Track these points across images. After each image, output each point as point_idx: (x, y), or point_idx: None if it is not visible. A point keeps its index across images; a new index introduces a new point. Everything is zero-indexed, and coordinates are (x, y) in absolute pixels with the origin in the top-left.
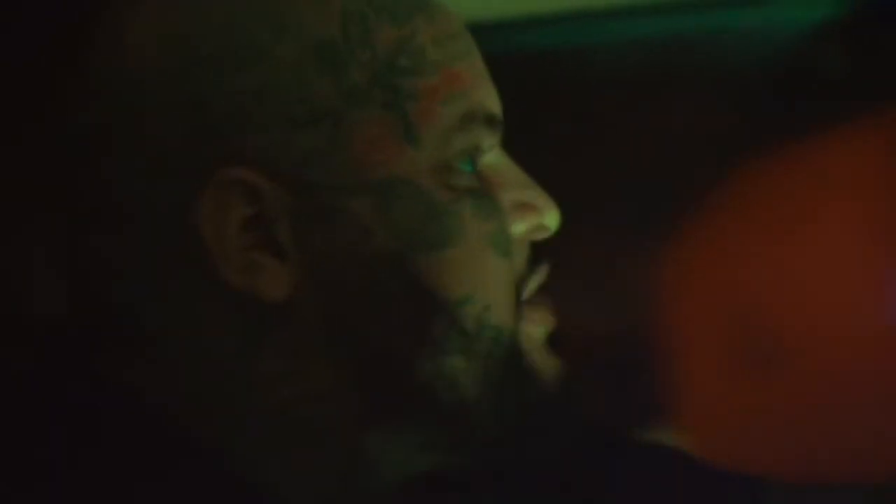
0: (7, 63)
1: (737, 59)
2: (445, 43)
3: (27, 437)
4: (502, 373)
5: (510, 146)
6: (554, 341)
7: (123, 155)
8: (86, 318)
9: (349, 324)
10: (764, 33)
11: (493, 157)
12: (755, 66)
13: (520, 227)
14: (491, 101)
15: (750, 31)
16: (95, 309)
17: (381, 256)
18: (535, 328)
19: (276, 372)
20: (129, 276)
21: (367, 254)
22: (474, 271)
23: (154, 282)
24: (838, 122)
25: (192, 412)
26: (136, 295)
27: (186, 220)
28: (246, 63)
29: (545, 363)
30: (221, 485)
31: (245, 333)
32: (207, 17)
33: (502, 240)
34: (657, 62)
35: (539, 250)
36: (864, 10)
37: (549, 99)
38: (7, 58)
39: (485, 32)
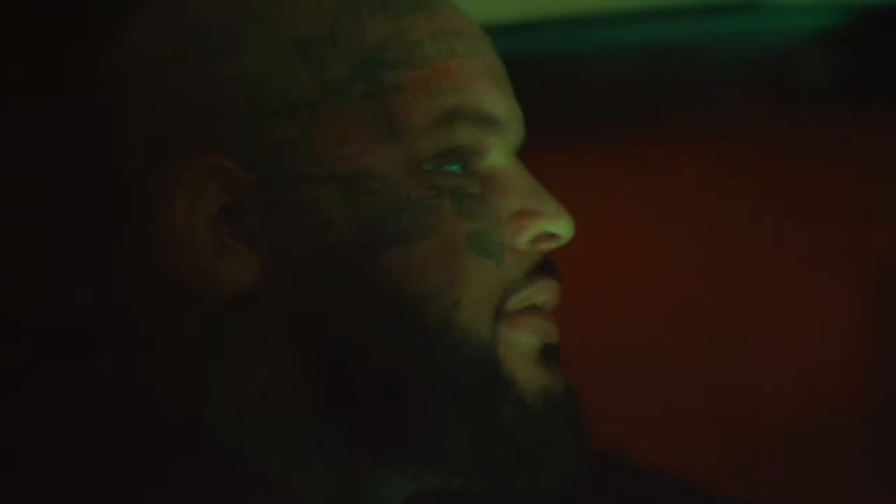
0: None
1: (729, 65)
2: (444, 39)
3: (28, 436)
4: (470, 378)
5: None
6: (551, 354)
7: (116, 143)
8: (90, 315)
9: (310, 314)
10: (756, 39)
11: (503, 161)
12: (747, 72)
13: (522, 235)
14: (492, 102)
15: (743, 37)
16: (98, 305)
17: (344, 248)
18: (525, 336)
19: (240, 364)
20: (120, 268)
21: (330, 244)
22: (444, 269)
23: (138, 271)
24: (827, 126)
25: (190, 405)
26: (127, 285)
27: (163, 206)
28: (227, 53)
29: (532, 376)
30: (221, 479)
31: (211, 322)
32: (203, 8)
33: (485, 241)
34: (650, 67)
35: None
36: (858, 19)
37: (541, 102)
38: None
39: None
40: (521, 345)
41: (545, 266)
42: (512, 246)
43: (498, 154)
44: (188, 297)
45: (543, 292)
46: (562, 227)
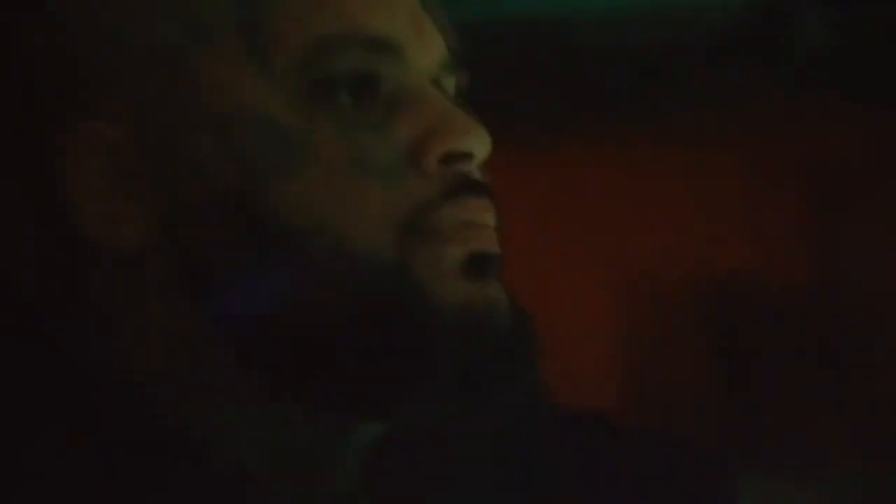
0: None
1: (712, 32)
2: None
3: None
4: (376, 305)
5: (490, 110)
6: (483, 264)
7: (13, 105)
8: (42, 287)
9: (202, 268)
10: (744, 6)
11: (411, 85)
12: (732, 39)
13: (427, 156)
14: (383, 26)
15: (727, 4)
16: (45, 277)
17: (223, 192)
18: (447, 249)
19: (153, 321)
20: (41, 241)
21: (209, 191)
22: (328, 199)
23: (42, 230)
24: (807, 91)
25: (118, 364)
26: (33, 244)
27: (49, 176)
28: (98, 15)
29: (457, 290)
30: (163, 440)
31: (117, 280)
32: None
33: (368, 165)
34: (637, 33)
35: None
36: None
37: (530, 66)
38: None
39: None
40: (442, 259)
41: (469, 185)
42: (420, 168)
43: (403, 78)
44: (89, 256)
45: (467, 210)
46: (470, 144)
